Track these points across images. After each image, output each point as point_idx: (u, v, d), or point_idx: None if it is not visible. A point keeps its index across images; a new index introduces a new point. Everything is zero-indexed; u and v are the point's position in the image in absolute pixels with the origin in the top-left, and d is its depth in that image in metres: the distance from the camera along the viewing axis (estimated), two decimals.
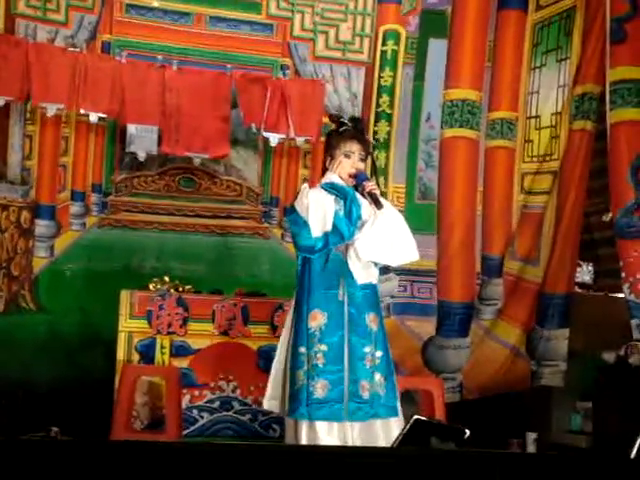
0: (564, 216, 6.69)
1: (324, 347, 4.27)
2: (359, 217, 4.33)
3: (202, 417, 5.78)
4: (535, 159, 6.97)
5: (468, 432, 3.75)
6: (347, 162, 4.41)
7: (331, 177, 4.44)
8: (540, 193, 6.87)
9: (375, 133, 6.92)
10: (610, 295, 7.09)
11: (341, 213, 4.31)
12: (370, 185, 4.36)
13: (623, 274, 6.05)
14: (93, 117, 6.24)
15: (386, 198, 6.83)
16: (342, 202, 4.33)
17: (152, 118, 6.28)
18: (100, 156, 6.65)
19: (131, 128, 6.28)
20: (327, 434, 4.26)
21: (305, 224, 4.29)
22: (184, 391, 5.68)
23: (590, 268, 7.24)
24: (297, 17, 6.81)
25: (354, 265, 4.37)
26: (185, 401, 5.70)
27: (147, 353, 5.78)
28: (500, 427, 6.07)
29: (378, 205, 4.31)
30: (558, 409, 6.51)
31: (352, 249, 4.34)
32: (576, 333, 6.69)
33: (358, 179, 4.40)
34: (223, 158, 6.63)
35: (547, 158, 6.86)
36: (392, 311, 6.84)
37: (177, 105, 6.32)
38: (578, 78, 6.67)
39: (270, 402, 4.51)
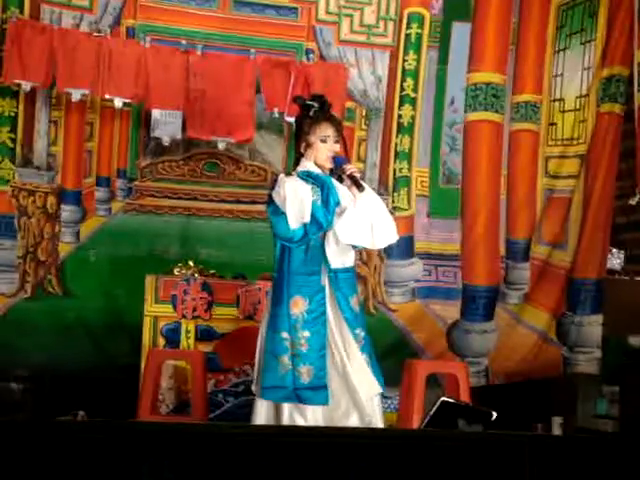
0: (593, 200, 6.66)
1: (307, 333, 4.31)
2: (337, 204, 4.30)
3: (227, 401, 5.81)
4: (559, 142, 6.94)
5: (495, 414, 3.76)
6: (324, 147, 4.42)
7: (307, 165, 4.44)
8: (567, 177, 6.84)
9: (399, 117, 6.90)
10: (636, 279, 7.05)
11: (319, 202, 4.29)
12: (350, 168, 4.37)
13: None
14: (118, 102, 6.24)
15: (411, 182, 6.93)
16: (319, 191, 4.32)
17: (176, 103, 6.27)
18: (125, 141, 6.64)
19: (156, 113, 6.28)
20: (311, 417, 4.30)
21: (283, 215, 4.32)
22: (209, 375, 5.70)
23: (621, 255, 7.16)
24: (322, 1, 6.74)
25: (329, 249, 4.37)
26: (210, 385, 5.73)
27: (172, 337, 5.81)
28: (525, 412, 6.06)
29: (359, 187, 4.30)
30: (584, 393, 6.50)
31: (331, 233, 4.34)
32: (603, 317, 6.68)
33: (336, 163, 4.41)
34: (248, 142, 6.60)
35: (574, 142, 6.82)
36: (417, 295, 6.84)
37: (201, 90, 6.29)
38: (604, 60, 6.63)
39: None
